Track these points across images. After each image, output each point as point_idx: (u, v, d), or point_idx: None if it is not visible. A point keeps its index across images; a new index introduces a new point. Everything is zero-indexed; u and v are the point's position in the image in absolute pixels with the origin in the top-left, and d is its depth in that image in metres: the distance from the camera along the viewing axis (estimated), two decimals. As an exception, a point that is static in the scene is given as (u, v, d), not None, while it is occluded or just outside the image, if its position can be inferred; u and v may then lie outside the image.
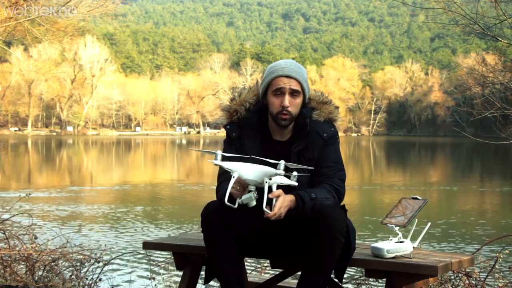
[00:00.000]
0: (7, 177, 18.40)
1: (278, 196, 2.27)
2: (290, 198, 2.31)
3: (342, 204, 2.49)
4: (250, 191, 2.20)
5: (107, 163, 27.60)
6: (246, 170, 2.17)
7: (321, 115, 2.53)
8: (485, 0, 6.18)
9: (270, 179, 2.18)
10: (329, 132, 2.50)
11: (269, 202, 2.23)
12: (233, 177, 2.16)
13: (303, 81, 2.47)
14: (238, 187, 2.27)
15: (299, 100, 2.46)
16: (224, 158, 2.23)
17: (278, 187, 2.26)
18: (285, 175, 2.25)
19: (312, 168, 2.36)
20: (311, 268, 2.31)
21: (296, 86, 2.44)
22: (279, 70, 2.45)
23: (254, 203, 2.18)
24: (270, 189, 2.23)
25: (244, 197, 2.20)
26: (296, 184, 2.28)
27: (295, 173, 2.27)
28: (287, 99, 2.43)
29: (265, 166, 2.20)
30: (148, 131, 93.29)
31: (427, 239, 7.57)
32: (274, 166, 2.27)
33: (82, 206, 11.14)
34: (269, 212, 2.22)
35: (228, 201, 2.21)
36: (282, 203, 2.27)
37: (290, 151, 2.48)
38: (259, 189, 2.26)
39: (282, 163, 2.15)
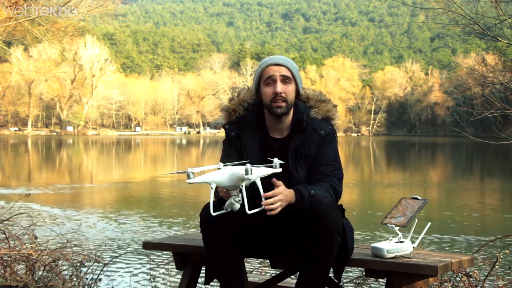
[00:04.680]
0: (7, 177, 18.40)
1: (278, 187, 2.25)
2: (289, 192, 2.30)
3: (339, 203, 2.49)
4: (232, 196, 2.20)
5: (107, 162, 27.60)
6: (221, 178, 2.17)
7: (319, 113, 2.54)
8: (485, 0, 6.18)
9: (244, 182, 2.17)
10: (326, 129, 2.51)
11: (257, 201, 2.22)
12: (212, 188, 2.17)
13: (293, 69, 2.49)
14: (224, 190, 2.25)
15: (291, 87, 2.48)
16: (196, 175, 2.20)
17: (262, 179, 2.24)
18: (266, 166, 2.26)
19: (283, 162, 2.33)
20: (309, 267, 2.31)
21: (286, 73, 2.47)
22: (267, 60, 2.51)
23: (237, 206, 2.18)
24: (255, 184, 2.21)
25: (226, 204, 2.20)
26: (280, 170, 2.27)
27: (276, 160, 2.27)
28: (279, 86, 2.44)
29: (237, 169, 2.18)
30: (148, 131, 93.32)
31: (427, 239, 7.57)
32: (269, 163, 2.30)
33: (82, 206, 11.14)
34: (262, 205, 2.20)
35: (216, 210, 2.21)
36: (278, 194, 2.24)
37: (288, 148, 2.48)
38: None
39: (248, 167, 2.13)
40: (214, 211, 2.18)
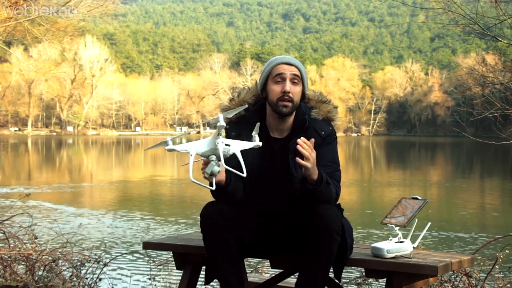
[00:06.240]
0: (7, 176, 18.39)
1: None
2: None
3: (338, 203, 2.50)
4: (211, 161, 2.18)
5: (107, 162, 27.60)
6: (199, 145, 2.17)
7: (320, 113, 2.54)
8: (485, 0, 6.18)
9: (219, 139, 2.14)
10: (327, 130, 2.51)
11: (237, 164, 2.19)
12: (191, 155, 2.16)
13: (303, 71, 2.51)
14: (202, 165, 2.25)
15: (299, 89, 2.49)
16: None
17: (243, 152, 2.23)
18: (245, 140, 2.27)
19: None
20: (309, 267, 2.31)
21: (296, 73, 2.48)
22: (279, 59, 2.51)
23: (217, 168, 2.15)
24: (234, 156, 2.19)
25: (206, 169, 2.18)
26: (260, 144, 2.27)
27: (254, 133, 2.27)
28: (288, 84, 2.45)
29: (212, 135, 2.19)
30: (148, 131, 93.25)
31: (427, 239, 7.57)
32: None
33: (82, 206, 11.14)
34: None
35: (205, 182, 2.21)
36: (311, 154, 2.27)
37: (288, 148, 2.48)
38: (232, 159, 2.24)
39: (220, 115, 2.12)
40: (194, 178, 2.12)
